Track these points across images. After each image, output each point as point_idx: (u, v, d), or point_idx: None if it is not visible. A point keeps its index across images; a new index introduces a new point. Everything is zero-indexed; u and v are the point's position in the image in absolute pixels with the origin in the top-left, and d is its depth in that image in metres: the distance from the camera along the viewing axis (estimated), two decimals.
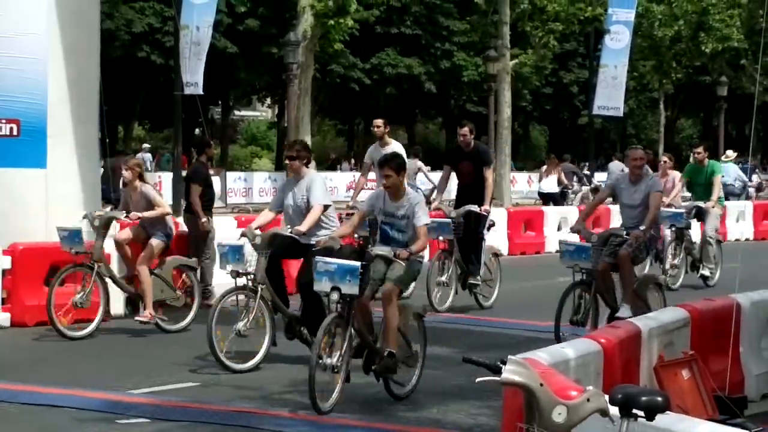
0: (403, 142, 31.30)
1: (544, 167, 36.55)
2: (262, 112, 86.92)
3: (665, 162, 21.24)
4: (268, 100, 71.22)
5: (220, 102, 61.02)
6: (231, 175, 44.02)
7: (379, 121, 18.06)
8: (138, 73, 50.60)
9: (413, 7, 56.84)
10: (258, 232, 12.62)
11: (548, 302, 17.66)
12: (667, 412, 5.52)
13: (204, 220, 16.72)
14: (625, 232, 13.59)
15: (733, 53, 55.54)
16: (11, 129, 15.59)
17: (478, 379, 5.37)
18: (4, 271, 14.78)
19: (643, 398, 5.39)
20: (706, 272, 20.34)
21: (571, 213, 28.36)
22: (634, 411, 5.40)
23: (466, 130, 16.86)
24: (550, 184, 33.66)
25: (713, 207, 20.23)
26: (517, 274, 22.74)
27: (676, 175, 20.92)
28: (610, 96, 42.53)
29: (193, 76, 30.58)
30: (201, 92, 30.67)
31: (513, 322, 15.78)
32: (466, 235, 16.66)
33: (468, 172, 16.82)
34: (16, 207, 15.49)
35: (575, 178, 38.29)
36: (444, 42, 59.95)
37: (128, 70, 49.09)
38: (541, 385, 5.19)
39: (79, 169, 15.97)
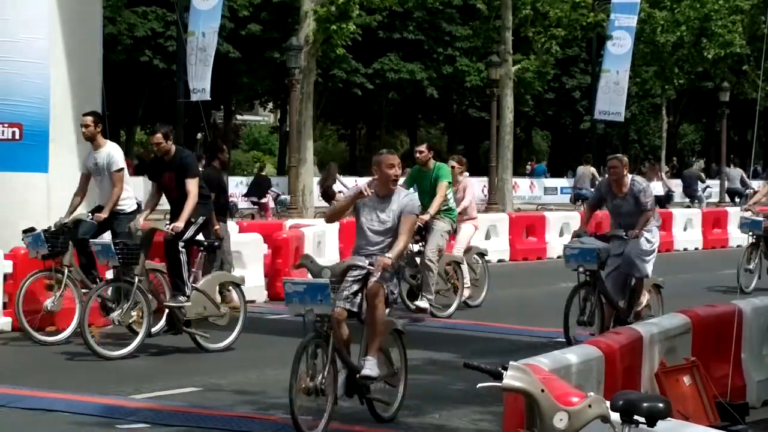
0: (405, 147, 31.44)
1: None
2: (264, 117, 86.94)
3: (454, 167, 17.58)
4: (270, 105, 71.22)
5: (222, 107, 61.03)
6: (233, 180, 43.98)
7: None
8: (140, 78, 50.60)
9: (416, 13, 56.81)
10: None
11: (550, 308, 17.69)
12: (669, 418, 5.52)
13: (217, 227, 16.72)
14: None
15: (735, 59, 55.52)
16: (13, 133, 15.60)
17: (479, 385, 5.37)
18: (5, 275, 14.76)
19: (645, 404, 5.39)
20: None
21: (573, 218, 28.37)
22: (636, 417, 5.40)
23: None
24: (656, 189, 33.98)
25: (436, 219, 16.38)
26: (518, 279, 22.77)
27: (468, 182, 18.33)
28: (611, 101, 42.60)
29: (200, 83, 30.67)
30: (208, 98, 30.74)
31: (514, 328, 15.77)
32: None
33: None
34: (18, 211, 15.49)
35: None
36: (446, 47, 59.95)
37: (130, 74, 49.09)
38: (543, 390, 5.19)
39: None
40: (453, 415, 10.46)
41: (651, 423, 5.38)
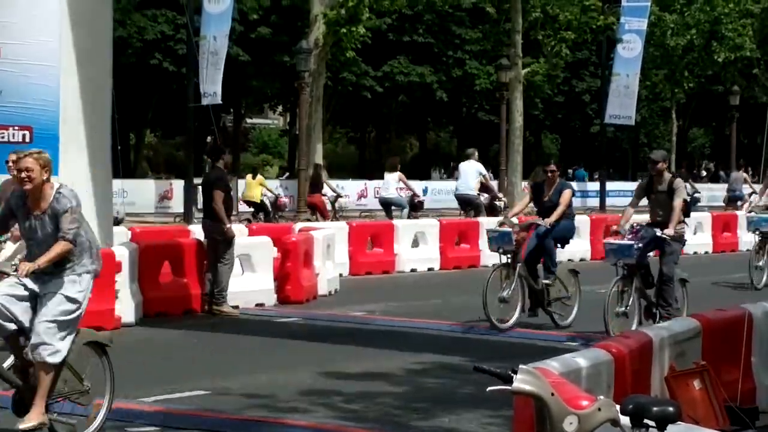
0: (414, 151, 31.49)
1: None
2: (273, 120, 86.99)
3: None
4: (280, 108, 71.26)
5: (232, 110, 61.08)
6: (242, 183, 44.00)
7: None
8: (150, 81, 50.68)
9: (425, 16, 56.83)
10: None
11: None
12: (679, 422, 5.52)
13: (228, 225, 16.76)
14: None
15: (745, 62, 55.53)
16: (24, 136, 15.63)
17: (489, 388, 5.36)
18: None
19: (655, 408, 5.38)
20: None
21: (580, 221, 28.31)
22: (646, 421, 5.40)
23: None
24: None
25: None
26: None
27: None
28: (622, 105, 42.56)
29: (211, 86, 30.72)
30: (220, 102, 30.79)
31: (525, 332, 15.76)
32: None
33: None
34: None
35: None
36: (456, 50, 59.96)
37: (140, 77, 49.18)
38: (553, 394, 5.18)
39: (91, 176, 15.99)
40: (463, 418, 10.46)
41: (661, 427, 5.38)
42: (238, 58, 48.24)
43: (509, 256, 15.64)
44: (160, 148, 72.08)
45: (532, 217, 17.71)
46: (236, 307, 17.16)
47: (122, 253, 15.65)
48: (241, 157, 66.69)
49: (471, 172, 30.10)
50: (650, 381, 9.15)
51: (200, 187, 20.96)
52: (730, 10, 52.54)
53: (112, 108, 16.76)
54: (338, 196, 33.29)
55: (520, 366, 5.27)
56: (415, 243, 24.49)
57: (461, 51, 60.00)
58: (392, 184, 31.07)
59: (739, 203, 37.20)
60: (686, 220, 15.36)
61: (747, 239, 30.44)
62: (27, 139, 15.62)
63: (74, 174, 15.80)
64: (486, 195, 30.79)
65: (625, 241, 14.64)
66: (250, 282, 18.05)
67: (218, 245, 16.91)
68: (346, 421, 10.26)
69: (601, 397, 5.33)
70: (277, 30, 51.53)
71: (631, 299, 14.67)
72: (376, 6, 37.68)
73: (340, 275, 21.38)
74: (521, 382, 5.19)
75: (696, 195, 39.82)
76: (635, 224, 15.17)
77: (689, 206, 15.66)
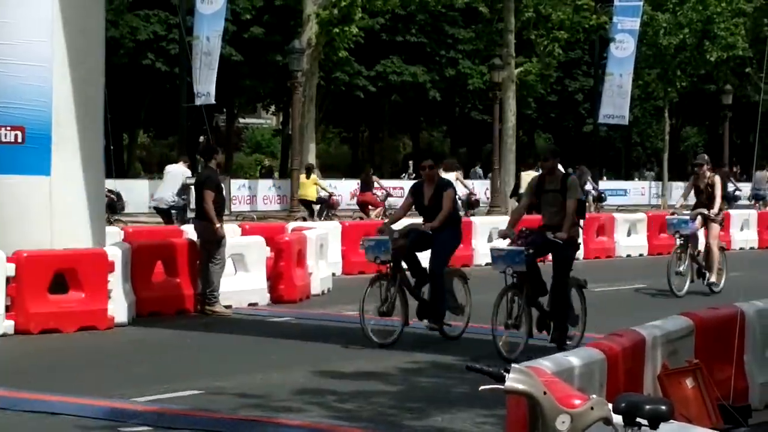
0: (407, 150, 31.85)
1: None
2: (266, 120, 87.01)
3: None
4: (273, 108, 71.30)
5: (224, 109, 61.09)
6: (235, 183, 44.03)
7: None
8: (143, 81, 50.66)
9: (418, 15, 56.85)
10: None
11: None
12: (671, 420, 5.52)
13: (218, 225, 16.75)
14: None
15: (738, 62, 55.58)
16: (16, 136, 15.61)
17: (482, 388, 5.36)
18: (8, 278, 14.77)
19: (647, 407, 5.39)
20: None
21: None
22: (638, 419, 5.40)
23: None
24: None
25: None
26: None
27: None
28: (615, 104, 42.63)
29: (205, 87, 30.75)
30: (213, 102, 30.83)
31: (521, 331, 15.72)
32: None
33: None
34: (21, 214, 15.51)
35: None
36: (449, 50, 59.99)
37: (133, 77, 49.16)
38: (545, 393, 5.19)
39: (84, 176, 15.97)
40: (456, 417, 10.46)
41: (653, 425, 5.38)
42: (230, 57, 48.24)
43: (390, 265, 14.38)
44: (153, 148, 72.06)
45: (408, 220, 15.71)
46: (229, 306, 17.17)
47: (115, 253, 15.64)
48: (234, 157, 66.71)
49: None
50: (643, 380, 9.16)
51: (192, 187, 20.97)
52: (723, 10, 52.56)
53: (104, 108, 16.74)
54: (388, 194, 34.11)
55: (513, 365, 5.27)
56: None
57: (454, 51, 60.03)
58: None
59: (761, 202, 37.45)
60: (596, 220, 15.01)
61: (738, 238, 30.70)
62: (19, 140, 15.61)
63: (67, 174, 15.81)
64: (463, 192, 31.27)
65: (515, 247, 13.50)
66: (243, 281, 18.05)
67: (209, 245, 16.91)
68: (339, 420, 10.26)
69: (594, 395, 5.33)
70: (270, 30, 51.53)
71: (520, 310, 13.49)
72: (368, 6, 37.69)
73: (333, 274, 21.39)
74: (514, 381, 5.19)
75: (737, 193, 39.77)
76: (524, 228, 13.99)
77: (583, 207, 14.49)
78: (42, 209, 15.59)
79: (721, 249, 20.69)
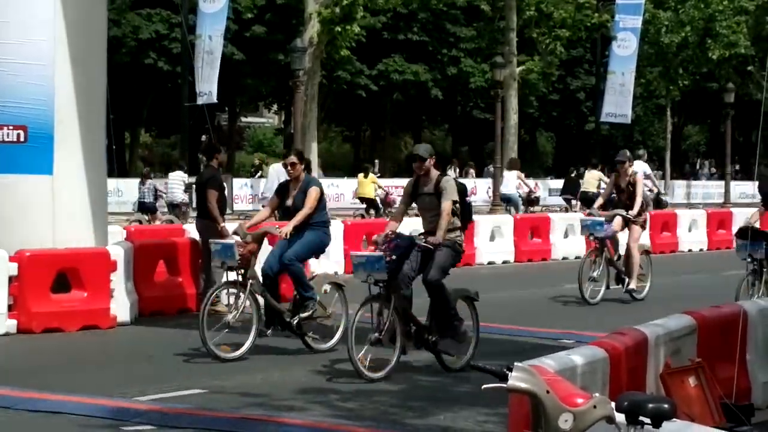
0: (409, 149, 32.07)
1: None
2: (268, 119, 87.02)
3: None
4: (275, 107, 71.28)
5: (226, 108, 61.10)
6: (237, 182, 44.07)
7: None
8: (145, 80, 50.68)
9: (420, 14, 56.86)
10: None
11: (555, 309, 17.70)
12: (674, 419, 5.51)
13: (223, 225, 16.73)
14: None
15: (740, 60, 55.57)
16: (18, 135, 15.61)
17: (484, 386, 5.36)
18: (11, 277, 14.79)
19: (650, 405, 5.39)
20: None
21: (576, 220, 28.33)
22: (641, 418, 5.40)
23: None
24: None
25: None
26: (523, 281, 22.77)
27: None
28: (617, 103, 42.61)
29: (207, 86, 30.78)
30: (215, 101, 30.85)
31: (519, 329, 15.77)
32: None
33: None
34: (23, 213, 15.51)
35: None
36: (451, 48, 59.98)
37: (135, 76, 49.17)
38: (548, 392, 5.18)
39: (86, 176, 15.98)
40: (458, 416, 10.46)
41: (656, 424, 5.38)
42: (232, 56, 48.26)
43: (240, 272, 13.37)
44: (155, 147, 72.08)
45: (268, 223, 14.45)
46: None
47: (117, 252, 15.65)
48: (236, 156, 66.73)
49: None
50: (645, 378, 9.15)
51: (194, 186, 20.94)
52: (725, 8, 52.58)
53: (106, 107, 16.74)
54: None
55: (516, 364, 5.27)
56: None
57: (456, 49, 60.02)
58: (512, 182, 33.63)
59: None
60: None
61: None
62: (22, 139, 15.61)
63: (69, 173, 15.81)
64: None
65: (376, 252, 12.22)
66: None
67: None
68: (341, 419, 10.26)
69: (597, 394, 5.32)
70: (272, 28, 51.54)
71: (387, 323, 12.11)
72: (370, 4, 37.69)
73: (336, 273, 21.37)
74: (516, 379, 5.18)
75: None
76: (390, 232, 12.51)
77: (467, 210, 13.04)
78: (44, 208, 15.59)
79: (646, 252, 19.48)
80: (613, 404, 5.34)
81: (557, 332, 15.35)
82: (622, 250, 19.04)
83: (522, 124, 51.89)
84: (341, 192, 44.12)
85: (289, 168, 13.91)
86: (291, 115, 47.81)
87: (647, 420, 5.37)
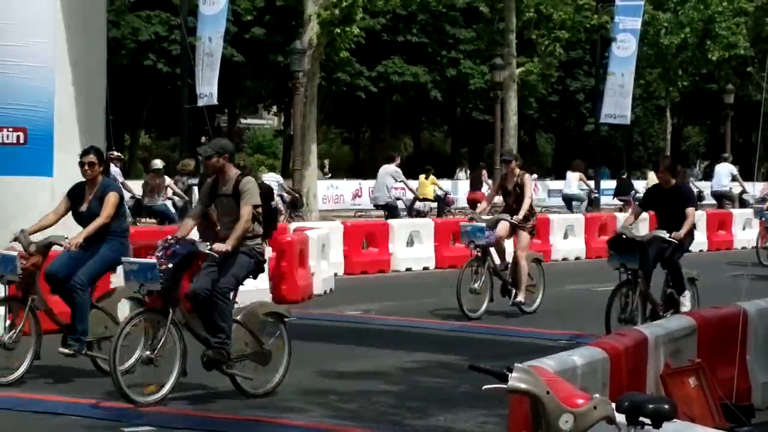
0: (409, 151, 32.08)
1: None
2: (268, 120, 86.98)
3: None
4: (274, 108, 71.29)
5: (226, 110, 61.09)
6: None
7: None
8: (144, 82, 50.67)
9: (419, 16, 56.85)
10: None
11: (555, 310, 17.70)
12: (674, 419, 5.52)
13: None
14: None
15: (739, 61, 55.55)
16: (18, 137, 15.61)
17: (484, 387, 5.37)
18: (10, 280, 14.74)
19: (650, 406, 5.39)
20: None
21: (576, 221, 28.35)
22: (641, 419, 5.40)
23: None
24: None
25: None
26: None
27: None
28: (617, 104, 42.56)
29: (207, 87, 30.75)
30: (215, 103, 30.81)
31: (519, 330, 15.77)
32: None
33: None
34: (23, 215, 15.47)
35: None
36: (450, 50, 59.96)
37: (135, 78, 49.16)
38: (548, 392, 5.19)
39: None
40: (458, 417, 10.47)
41: (656, 424, 5.38)
42: (232, 58, 48.24)
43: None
44: (155, 149, 72.04)
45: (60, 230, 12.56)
46: None
47: None
48: (235, 158, 66.63)
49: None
50: (645, 379, 9.16)
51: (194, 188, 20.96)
52: (724, 9, 52.56)
53: (106, 109, 16.74)
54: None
55: (516, 364, 5.27)
56: (410, 242, 24.50)
57: (455, 51, 60.00)
58: (574, 183, 34.80)
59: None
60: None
61: (741, 237, 30.62)
62: (21, 141, 15.61)
63: (69, 175, 15.78)
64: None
65: (148, 260, 10.94)
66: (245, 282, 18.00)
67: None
68: (341, 420, 10.26)
69: (597, 395, 5.33)
70: (271, 30, 51.54)
71: (163, 339, 10.75)
72: (370, 6, 37.66)
73: (335, 275, 21.39)
74: (516, 380, 5.19)
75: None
76: (170, 237, 11.22)
77: (272, 215, 12.06)
78: (44, 210, 15.52)
79: (537, 261, 17.69)
80: (613, 405, 5.34)
81: (557, 333, 15.36)
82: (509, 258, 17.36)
83: (521, 126, 51.84)
84: (341, 193, 44.10)
85: (86, 168, 12.07)
86: (290, 116, 47.81)
87: (647, 420, 5.38)
